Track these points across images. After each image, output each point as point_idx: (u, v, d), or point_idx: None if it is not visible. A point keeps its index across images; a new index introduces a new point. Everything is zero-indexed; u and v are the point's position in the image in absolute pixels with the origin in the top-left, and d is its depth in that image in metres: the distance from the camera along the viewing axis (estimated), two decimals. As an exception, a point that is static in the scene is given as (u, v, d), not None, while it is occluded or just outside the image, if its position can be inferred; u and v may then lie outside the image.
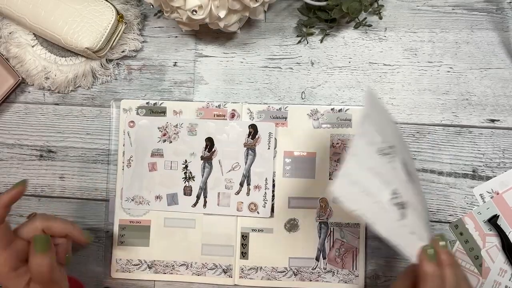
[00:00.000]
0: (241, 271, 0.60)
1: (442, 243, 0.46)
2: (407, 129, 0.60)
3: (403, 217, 0.45)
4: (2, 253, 0.46)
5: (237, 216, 0.60)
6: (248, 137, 0.60)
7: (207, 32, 0.62)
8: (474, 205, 0.59)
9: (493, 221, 0.58)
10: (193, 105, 0.61)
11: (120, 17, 0.59)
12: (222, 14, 0.52)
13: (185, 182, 0.61)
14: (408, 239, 0.46)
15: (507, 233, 0.58)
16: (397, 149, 0.47)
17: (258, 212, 0.60)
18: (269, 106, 0.61)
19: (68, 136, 0.63)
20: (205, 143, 0.61)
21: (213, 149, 0.61)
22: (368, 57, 0.61)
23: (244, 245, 0.60)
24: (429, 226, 0.50)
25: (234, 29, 0.57)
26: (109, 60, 0.62)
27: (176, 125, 0.61)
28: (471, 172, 0.59)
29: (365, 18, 0.61)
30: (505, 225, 0.58)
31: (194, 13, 0.51)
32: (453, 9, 0.60)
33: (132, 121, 0.61)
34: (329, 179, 0.60)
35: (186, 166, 0.61)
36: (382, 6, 0.60)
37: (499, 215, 0.58)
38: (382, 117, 0.48)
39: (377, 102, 0.49)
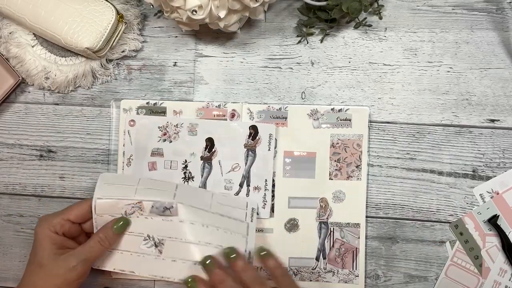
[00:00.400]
0: (241, 271, 0.60)
1: (208, 261, 0.54)
2: (407, 129, 0.60)
3: (161, 252, 0.56)
4: (61, 218, 0.55)
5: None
6: (249, 138, 0.60)
7: (207, 32, 0.62)
8: (474, 205, 0.59)
9: (493, 221, 0.58)
10: (193, 105, 0.61)
11: (120, 17, 0.59)
12: (222, 14, 0.52)
13: (184, 182, 0.61)
14: (174, 267, 0.56)
15: (507, 233, 0.58)
16: (144, 199, 0.55)
17: (257, 213, 0.60)
18: (269, 106, 0.61)
19: (68, 136, 0.63)
20: (205, 143, 0.61)
21: (213, 150, 0.61)
22: (368, 57, 0.61)
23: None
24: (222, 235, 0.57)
25: (234, 29, 0.57)
26: (109, 60, 0.62)
27: (177, 124, 0.61)
28: (471, 172, 0.59)
29: (365, 18, 0.61)
30: (505, 225, 0.58)
31: (194, 13, 0.51)
32: (453, 9, 0.60)
33: (133, 120, 0.61)
34: (329, 179, 0.60)
35: (186, 166, 0.61)
36: (382, 6, 0.60)
37: (499, 215, 0.58)
38: (119, 185, 0.57)
39: (108, 181, 0.57)
